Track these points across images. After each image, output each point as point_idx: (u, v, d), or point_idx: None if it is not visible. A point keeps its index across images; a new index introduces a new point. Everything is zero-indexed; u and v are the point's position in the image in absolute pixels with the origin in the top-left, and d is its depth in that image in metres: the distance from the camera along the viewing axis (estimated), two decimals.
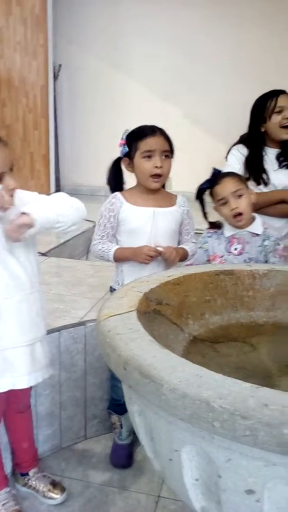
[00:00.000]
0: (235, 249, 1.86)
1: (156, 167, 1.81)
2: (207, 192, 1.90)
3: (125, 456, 1.91)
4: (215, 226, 1.95)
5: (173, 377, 0.78)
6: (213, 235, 1.93)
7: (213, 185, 1.85)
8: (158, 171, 1.82)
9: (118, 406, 1.86)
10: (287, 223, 2.21)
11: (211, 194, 1.88)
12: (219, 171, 1.93)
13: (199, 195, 1.90)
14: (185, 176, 3.37)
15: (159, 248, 1.83)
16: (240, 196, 1.81)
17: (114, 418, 1.98)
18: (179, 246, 1.95)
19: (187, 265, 1.95)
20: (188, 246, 1.96)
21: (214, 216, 1.93)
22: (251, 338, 1.25)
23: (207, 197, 1.90)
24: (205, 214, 1.93)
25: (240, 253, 1.85)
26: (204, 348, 1.20)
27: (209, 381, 0.77)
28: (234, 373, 1.07)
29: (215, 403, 0.71)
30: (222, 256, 1.88)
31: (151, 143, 1.81)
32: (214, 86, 4.40)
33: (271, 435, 0.66)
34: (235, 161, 2.21)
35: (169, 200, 1.93)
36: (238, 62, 4.29)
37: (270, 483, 0.74)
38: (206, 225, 2.02)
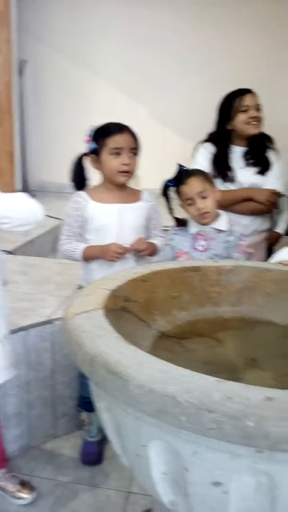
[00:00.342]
0: (200, 245, 1.89)
1: (124, 164, 1.82)
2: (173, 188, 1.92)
3: (95, 453, 1.91)
4: (181, 222, 1.96)
5: (139, 373, 0.78)
6: (179, 232, 1.95)
7: (179, 184, 1.87)
8: (125, 168, 1.83)
9: (87, 404, 1.86)
10: (253, 221, 2.25)
11: (177, 192, 1.90)
12: (185, 169, 1.95)
13: (165, 192, 1.92)
14: (154, 174, 3.38)
15: (126, 245, 1.83)
16: (205, 197, 1.84)
17: (84, 415, 1.98)
18: (148, 241, 1.96)
19: (154, 262, 1.96)
20: (157, 241, 1.98)
21: (179, 212, 1.95)
22: (217, 333, 1.26)
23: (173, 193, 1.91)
24: (170, 210, 1.95)
25: (205, 250, 1.88)
26: (171, 344, 1.21)
27: (176, 376, 0.78)
28: (201, 368, 1.08)
29: (181, 398, 0.72)
30: (187, 253, 1.90)
31: (119, 140, 1.81)
32: (181, 84, 4.41)
33: (235, 427, 0.67)
34: (202, 159, 2.24)
35: (135, 195, 1.94)
36: (206, 60, 4.32)
37: (236, 474, 0.76)
38: (172, 223, 2.04)
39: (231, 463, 0.74)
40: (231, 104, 2.16)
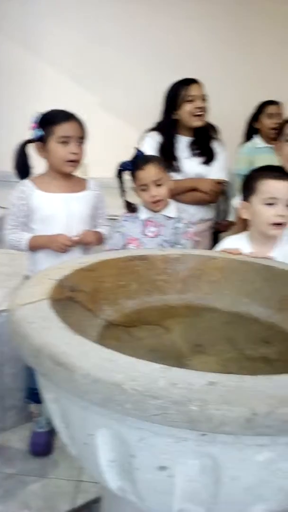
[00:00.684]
0: (151, 231, 1.91)
1: (72, 153, 1.80)
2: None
3: (44, 444, 1.90)
4: (131, 206, 1.98)
5: (85, 363, 0.78)
6: (129, 219, 1.97)
7: (136, 169, 1.88)
8: (74, 157, 1.81)
9: (35, 395, 1.84)
10: (198, 210, 2.29)
11: (132, 176, 1.91)
12: (143, 154, 1.96)
13: (119, 174, 1.93)
14: (100, 162, 3.36)
15: (75, 238, 1.82)
16: (160, 184, 1.86)
17: (32, 406, 1.96)
18: (95, 230, 1.96)
19: (105, 250, 1.97)
20: (103, 230, 1.98)
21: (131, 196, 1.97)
22: (164, 321, 1.28)
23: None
24: (122, 193, 1.96)
25: (155, 236, 1.91)
26: (118, 333, 1.21)
27: (121, 364, 0.78)
28: (148, 356, 1.10)
29: (126, 386, 0.73)
30: (138, 239, 1.92)
31: (67, 128, 1.79)
32: (127, 72, 4.38)
33: (179, 412, 0.69)
34: (149, 148, 2.24)
35: (81, 184, 1.93)
36: (152, 48, 4.30)
37: (181, 458, 0.78)
38: (121, 211, 2.05)
39: (176, 447, 0.76)
40: (177, 94, 2.17)
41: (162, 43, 4.28)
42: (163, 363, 0.80)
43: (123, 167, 1.93)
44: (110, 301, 1.31)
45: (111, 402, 0.74)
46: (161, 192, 1.88)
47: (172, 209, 1.97)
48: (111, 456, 0.86)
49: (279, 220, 1.52)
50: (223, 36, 4.27)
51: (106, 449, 0.86)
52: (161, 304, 1.36)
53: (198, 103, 2.15)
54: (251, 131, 3.15)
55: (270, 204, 1.52)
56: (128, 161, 1.93)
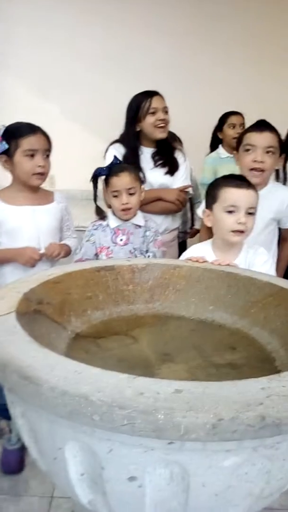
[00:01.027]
0: (121, 240, 1.93)
1: (39, 166, 1.80)
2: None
3: (16, 461, 1.87)
4: (101, 213, 2.00)
5: (51, 376, 0.78)
6: (99, 227, 1.98)
7: (111, 174, 1.90)
8: (41, 170, 1.81)
9: (5, 411, 1.79)
10: (164, 220, 2.31)
11: (106, 181, 1.93)
12: (119, 161, 1.99)
13: (95, 178, 1.95)
14: (66, 173, 3.35)
15: (42, 251, 1.82)
16: (132, 193, 1.90)
17: (3, 423, 1.93)
18: (62, 243, 1.96)
19: (76, 260, 1.97)
20: (70, 242, 1.98)
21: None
22: (132, 331, 1.29)
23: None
24: (95, 197, 1.98)
25: (125, 244, 1.93)
26: (87, 344, 1.21)
27: (88, 376, 0.78)
28: (116, 366, 1.11)
29: (93, 397, 0.73)
30: (108, 248, 1.93)
31: (33, 141, 1.79)
32: (90, 82, 4.40)
33: (147, 421, 0.69)
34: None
35: (47, 197, 1.93)
36: (116, 59, 4.34)
37: (150, 467, 0.78)
38: (89, 222, 2.06)
39: (145, 456, 0.76)
40: (139, 106, 2.20)
41: (125, 53, 4.33)
42: (132, 373, 0.80)
43: (98, 172, 1.95)
44: (78, 313, 1.31)
45: (78, 415, 0.74)
46: (132, 201, 1.91)
47: (141, 217, 2.00)
48: (81, 470, 0.86)
49: (240, 227, 1.55)
50: (187, 47, 4.34)
51: (75, 463, 0.85)
52: (129, 314, 1.37)
53: (161, 115, 2.18)
54: (216, 141, 3.22)
55: (231, 211, 1.56)
56: (104, 167, 1.96)
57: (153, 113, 2.18)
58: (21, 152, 1.78)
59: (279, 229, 2.05)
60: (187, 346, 1.21)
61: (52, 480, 1.08)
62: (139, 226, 1.98)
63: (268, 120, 1.99)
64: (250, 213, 1.56)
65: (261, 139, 1.86)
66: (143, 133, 2.23)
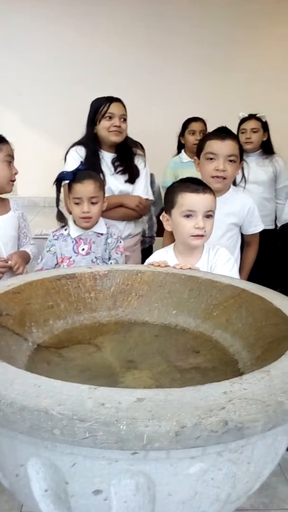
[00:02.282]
0: (82, 249, 1.90)
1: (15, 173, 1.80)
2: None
3: None
4: (62, 219, 1.97)
5: (10, 391, 0.75)
6: (60, 237, 1.94)
7: (75, 181, 1.87)
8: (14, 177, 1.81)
9: None
10: (126, 225, 2.29)
11: (69, 187, 1.90)
12: (85, 167, 1.96)
13: (59, 182, 1.92)
14: (27, 181, 3.31)
15: (10, 262, 1.79)
16: (95, 203, 1.87)
17: None
18: (21, 250, 1.93)
19: (36, 270, 1.93)
20: (28, 248, 1.95)
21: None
22: (95, 339, 1.27)
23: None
24: (57, 202, 1.96)
25: (87, 253, 1.90)
26: (49, 355, 1.19)
27: (48, 389, 0.76)
28: (79, 376, 1.09)
29: (53, 411, 0.71)
30: (70, 258, 1.90)
31: None
32: (50, 89, 4.37)
33: (109, 433, 0.68)
34: (73, 163, 2.23)
35: (4, 206, 1.90)
36: (75, 65, 4.32)
37: (115, 479, 0.76)
38: (50, 230, 2.03)
39: (109, 468, 0.75)
40: (97, 109, 2.19)
41: (86, 61, 4.32)
42: (95, 382, 0.78)
43: (62, 177, 1.92)
44: (39, 323, 1.28)
45: (39, 430, 0.72)
46: (94, 210, 1.87)
47: (102, 225, 1.98)
48: (45, 485, 0.83)
49: (198, 232, 1.55)
50: (148, 53, 4.37)
51: (38, 479, 0.82)
52: (91, 322, 1.35)
53: (116, 121, 2.17)
54: (182, 146, 3.25)
55: (188, 216, 1.56)
56: (70, 172, 1.93)
57: (110, 118, 2.17)
58: None
59: (242, 234, 2.07)
60: (151, 352, 1.20)
61: (15, 497, 1.04)
62: (101, 234, 1.95)
63: (229, 126, 2.02)
64: (208, 216, 1.56)
65: (223, 148, 1.85)
66: (99, 136, 2.23)
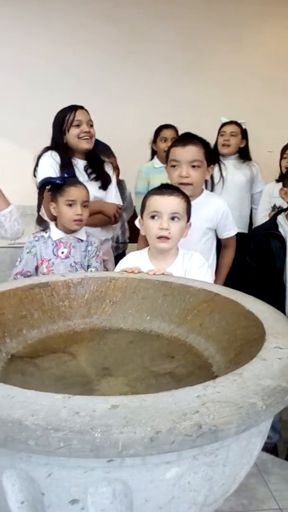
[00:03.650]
0: (62, 252, 1.92)
1: None
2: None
3: None
4: (43, 223, 1.98)
5: None
6: (40, 239, 1.96)
7: (67, 184, 1.91)
8: None
9: None
10: (100, 231, 2.30)
11: (61, 190, 1.92)
12: (73, 176, 2.08)
13: (43, 187, 1.95)
14: None
15: None
16: (86, 206, 1.91)
17: None
18: None
19: (16, 273, 1.92)
20: None
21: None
22: (70, 347, 1.26)
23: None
24: (39, 207, 1.97)
25: (66, 257, 1.91)
26: (23, 365, 1.17)
27: (21, 399, 0.75)
28: (54, 385, 1.08)
29: (27, 421, 0.70)
30: (49, 260, 1.90)
31: None
32: (21, 96, 4.33)
33: (83, 441, 0.67)
34: (48, 167, 2.24)
35: None
36: (41, 71, 4.30)
37: (92, 487, 0.76)
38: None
39: (85, 477, 0.74)
40: (64, 119, 2.22)
41: (55, 66, 4.30)
42: (70, 391, 0.78)
43: (52, 181, 1.95)
44: (12, 333, 1.26)
45: (13, 441, 0.71)
46: (85, 214, 1.95)
47: (83, 232, 2.01)
48: (21, 498, 0.82)
49: (162, 233, 1.56)
50: (118, 59, 4.38)
51: (14, 491, 0.81)
52: (66, 331, 1.34)
53: (85, 127, 2.21)
54: (154, 154, 3.29)
55: (154, 217, 1.58)
56: (59, 177, 1.98)
57: (78, 125, 2.20)
58: None
59: (218, 238, 2.09)
60: (126, 359, 1.20)
61: None
62: (81, 240, 1.98)
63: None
64: (173, 218, 1.58)
65: (185, 154, 1.87)
66: (70, 145, 2.24)
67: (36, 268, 1.96)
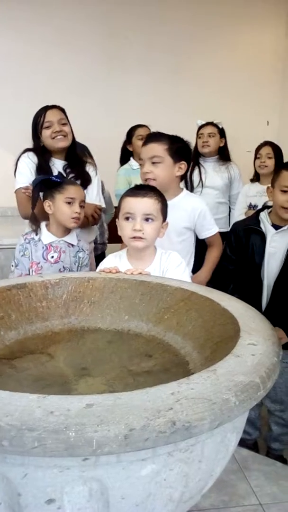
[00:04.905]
0: (52, 257, 1.91)
1: None
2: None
3: None
4: (36, 222, 1.97)
5: None
6: (31, 241, 1.94)
7: (67, 183, 1.96)
8: None
9: None
10: (81, 232, 2.29)
11: (61, 188, 1.93)
12: (65, 177, 2.07)
13: (39, 185, 1.96)
14: None
15: None
16: (82, 206, 1.94)
17: None
18: None
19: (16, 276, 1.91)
20: None
21: None
22: (48, 348, 1.26)
23: None
24: (34, 205, 1.97)
25: (56, 261, 1.90)
26: (0, 367, 1.17)
27: None
28: (32, 386, 1.08)
29: (1, 422, 0.70)
30: (38, 263, 1.89)
31: None
32: (2, 97, 4.30)
33: (58, 440, 0.67)
34: (26, 169, 2.23)
35: None
36: (23, 72, 4.28)
37: (67, 487, 0.76)
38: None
39: (61, 476, 0.74)
40: (36, 121, 2.21)
41: (29, 67, 4.28)
42: (48, 392, 0.78)
43: (46, 179, 1.95)
44: None
45: None
46: (82, 214, 1.95)
47: (74, 236, 2.00)
48: None
49: (136, 234, 1.57)
50: (91, 63, 4.38)
51: None
52: (44, 331, 1.34)
53: (56, 127, 2.19)
54: (127, 154, 3.29)
55: (128, 218, 1.59)
56: (58, 175, 2.02)
57: (48, 127, 2.19)
58: None
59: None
60: (104, 358, 1.20)
61: None
62: (72, 245, 1.97)
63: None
64: (147, 220, 1.58)
65: (145, 151, 1.95)
66: (47, 146, 2.23)
67: (29, 270, 1.94)
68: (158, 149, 1.92)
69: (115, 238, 2.03)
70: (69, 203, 1.91)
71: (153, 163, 1.91)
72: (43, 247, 1.93)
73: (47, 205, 1.93)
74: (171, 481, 0.80)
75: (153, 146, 1.94)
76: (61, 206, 1.91)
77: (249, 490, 1.64)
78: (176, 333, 1.22)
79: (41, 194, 2.01)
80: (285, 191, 1.85)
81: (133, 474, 0.75)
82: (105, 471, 0.74)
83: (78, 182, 2.27)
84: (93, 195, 2.31)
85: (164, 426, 0.68)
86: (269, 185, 1.99)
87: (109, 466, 0.74)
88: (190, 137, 2.22)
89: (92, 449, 0.68)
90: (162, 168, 1.92)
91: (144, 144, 1.98)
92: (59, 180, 1.95)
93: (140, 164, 2.01)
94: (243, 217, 2.82)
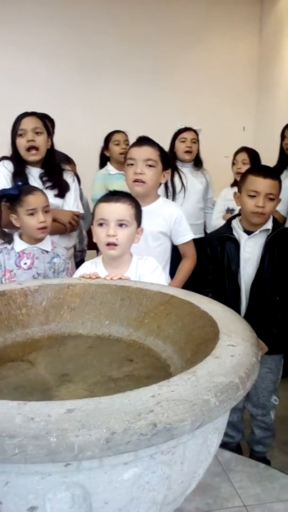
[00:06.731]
0: (25, 263, 1.89)
1: None
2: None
3: None
4: (7, 236, 1.95)
5: None
6: (3, 250, 1.93)
7: (24, 193, 1.88)
8: None
9: None
10: (60, 238, 2.28)
11: (20, 200, 1.88)
12: (25, 183, 2.04)
13: (0, 200, 1.92)
14: None
15: None
16: (47, 212, 1.88)
17: None
18: None
19: None
20: None
21: None
22: (28, 355, 1.25)
23: None
24: (0, 220, 1.94)
25: (29, 268, 1.89)
26: None
27: None
28: (12, 394, 1.07)
29: None
30: (11, 271, 1.88)
31: None
32: None
33: (39, 446, 0.67)
34: (1, 177, 2.20)
35: None
36: (5, 80, 4.27)
37: (50, 493, 0.76)
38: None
39: (43, 483, 0.74)
40: (13, 129, 2.19)
41: (6, 73, 4.27)
42: (29, 399, 0.77)
43: (7, 193, 1.91)
44: None
45: None
46: (48, 219, 1.91)
47: (48, 243, 1.97)
48: None
49: (109, 240, 1.56)
50: (71, 66, 4.39)
51: None
52: (24, 339, 1.33)
53: (29, 136, 2.16)
54: (105, 159, 3.30)
55: (101, 224, 1.59)
56: (13, 187, 1.94)
57: (21, 135, 2.16)
58: None
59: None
60: (86, 364, 1.20)
61: None
62: (46, 252, 1.94)
63: (154, 137, 2.07)
64: (121, 225, 1.58)
65: (140, 152, 1.94)
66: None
67: (1, 280, 1.92)
68: (154, 153, 1.95)
69: (94, 244, 2.03)
70: (31, 214, 1.88)
71: (148, 165, 1.92)
72: (15, 255, 1.91)
73: (14, 219, 1.92)
74: (154, 484, 0.80)
75: (149, 149, 1.95)
76: (25, 219, 1.89)
77: (233, 492, 1.64)
78: (156, 337, 1.23)
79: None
80: (252, 196, 1.85)
81: (116, 478, 0.75)
82: (87, 476, 0.74)
83: (55, 191, 2.26)
84: (70, 202, 2.30)
85: (145, 428, 0.69)
86: (236, 190, 2.00)
87: (92, 471, 0.73)
88: (167, 143, 2.24)
89: (74, 454, 0.68)
90: (154, 172, 1.95)
91: (138, 145, 1.98)
92: (16, 193, 1.91)
93: (130, 164, 1.97)
94: (220, 220, 2.84)
